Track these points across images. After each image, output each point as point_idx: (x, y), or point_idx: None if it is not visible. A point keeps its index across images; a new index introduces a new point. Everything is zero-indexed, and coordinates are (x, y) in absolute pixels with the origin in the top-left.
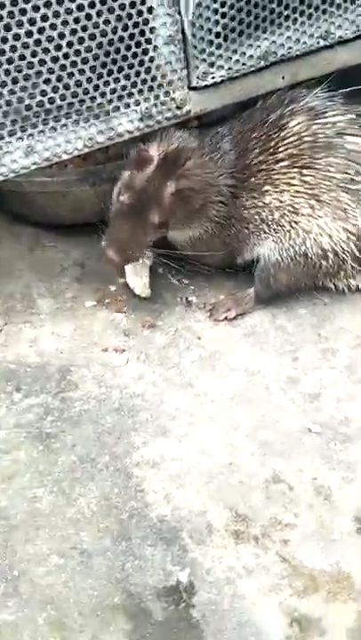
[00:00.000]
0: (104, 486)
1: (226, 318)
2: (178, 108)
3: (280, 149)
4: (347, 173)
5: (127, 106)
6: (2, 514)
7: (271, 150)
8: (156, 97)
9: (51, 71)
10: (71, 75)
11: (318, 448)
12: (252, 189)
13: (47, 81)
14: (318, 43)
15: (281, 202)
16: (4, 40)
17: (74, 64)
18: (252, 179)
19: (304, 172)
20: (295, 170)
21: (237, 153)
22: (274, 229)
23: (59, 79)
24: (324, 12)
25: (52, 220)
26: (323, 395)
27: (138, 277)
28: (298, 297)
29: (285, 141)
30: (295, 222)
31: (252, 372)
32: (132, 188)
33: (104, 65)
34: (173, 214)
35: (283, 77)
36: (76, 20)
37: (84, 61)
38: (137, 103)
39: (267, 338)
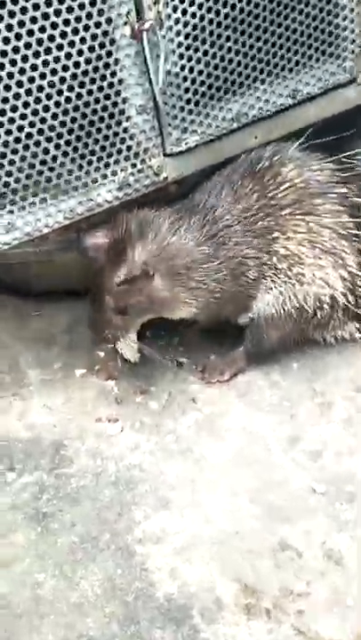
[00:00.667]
0: (107, 567)
1: (219, 381)
2: (155, 174)
3: (280, 195)
4: (341, 219)
5: (105, 176)
6: (3, 602)
7: (271, 195)
8: (133, 165)
9: (26, 147)
10: (47, 150)
11: (324, 509)
12: (261, 235)
13: (23, 158)
14: (287, 101)
15: (289, 250)
16: None
17: (49, 140)
18: (259, 223)
19: (307, 218)
20: (300, 216)
21: (231, 200)
22: (281, 280)
23: (34, 155)
24: (290, 70)
25: (37, 289)
26: (324, 451)
27: (127, 342)
28: (289, 351)
29: (282, 187)
30: (301, 274)
31: (251, 432)
32: (92, 274)
33: (79, 138)
34: (130, 300)
35: (255, 137)
36: (48, 97)
37: (59, 136)
38: (114, 173)
39: (262, 396)
